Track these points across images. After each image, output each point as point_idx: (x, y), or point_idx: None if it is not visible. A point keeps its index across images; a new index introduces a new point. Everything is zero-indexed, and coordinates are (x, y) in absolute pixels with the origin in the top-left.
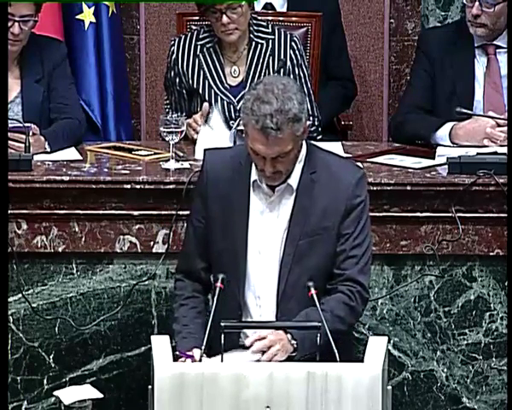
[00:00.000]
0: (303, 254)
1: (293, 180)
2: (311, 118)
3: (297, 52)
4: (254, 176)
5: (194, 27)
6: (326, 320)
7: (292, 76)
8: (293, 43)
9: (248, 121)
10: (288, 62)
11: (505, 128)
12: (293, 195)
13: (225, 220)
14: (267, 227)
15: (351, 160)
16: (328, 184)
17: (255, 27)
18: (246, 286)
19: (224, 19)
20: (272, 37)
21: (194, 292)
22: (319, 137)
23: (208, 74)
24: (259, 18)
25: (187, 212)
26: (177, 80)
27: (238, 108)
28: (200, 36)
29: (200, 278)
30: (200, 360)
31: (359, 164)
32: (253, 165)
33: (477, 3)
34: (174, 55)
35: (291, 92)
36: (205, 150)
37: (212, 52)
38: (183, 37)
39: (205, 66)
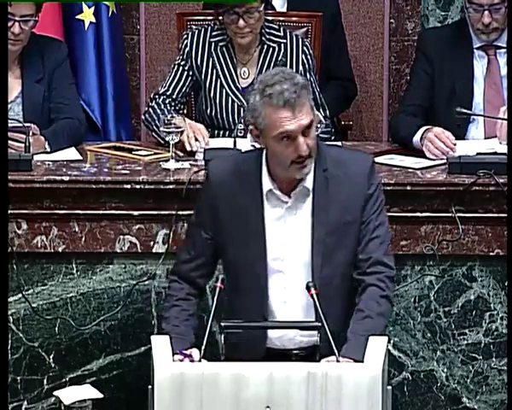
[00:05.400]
0: (331, 251)
1: (308, 181)
2: (325, 119)
3: (308, 57)
4: (267, 186)
5: (194, 27)
6: (376, 326)
7: None
8: (304, 48)
9: (267, 110)
10: (300, 67)
11: (440, 144)
12: (309, 196)
13: (240, 232)
14: (288, 232)
15: (357, 149)
16: (342, 179)
17: (267, 30)
18: (269, 294)
19: (241, 22)
20: (284, 41)
21: (188, 295)
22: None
23: (220, 73)
24: (271, 18)
25: (187, 212)
26: (191, 72)
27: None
28: (213, 33)
29: (197, 284)
30: (200, 361)
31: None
32: (265, 175)
33: (486, 12)
34: (188, 49)
35: (289, 71)
36: (206, 160)
37: (224, 51)
38: (197, 31)
39: (217, 65)
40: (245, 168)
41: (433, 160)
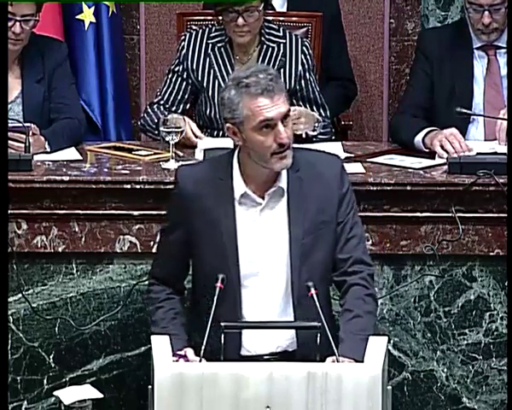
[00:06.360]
0: (309, 252)
1: (283, 182)
2: (325, 119)
3: (308, 57)
4: (240, 189)
5: (194, 27)
6: (366, 324)
7: (303, 81)
8: (304, 48)
9: (245, 100)
10: (300, 67)
11: (456, 144)
12: (284, 196)
13: (210, 235)
14: (263, 234)
15: (325, 151)
16: (314, 179)
17: (266, 30)
18: (243, 298)
19: (240, 21)
20: (283, 41)
21: (169, 294)
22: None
23: (218, 74)
24: (270, 18)
25: None
26: (185, 75)
27: None
28: (212, 34)
29: (175, 286)
30: (201, 361)
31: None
32: (237, 178)
33: (486, 12)
34: (184, 51)
35: (262, 65)
36: (178, 167)
37: (222, 52)
38: (194, 33)
39: (215, 65)
40: (214, 173)
41: (441, 158)
